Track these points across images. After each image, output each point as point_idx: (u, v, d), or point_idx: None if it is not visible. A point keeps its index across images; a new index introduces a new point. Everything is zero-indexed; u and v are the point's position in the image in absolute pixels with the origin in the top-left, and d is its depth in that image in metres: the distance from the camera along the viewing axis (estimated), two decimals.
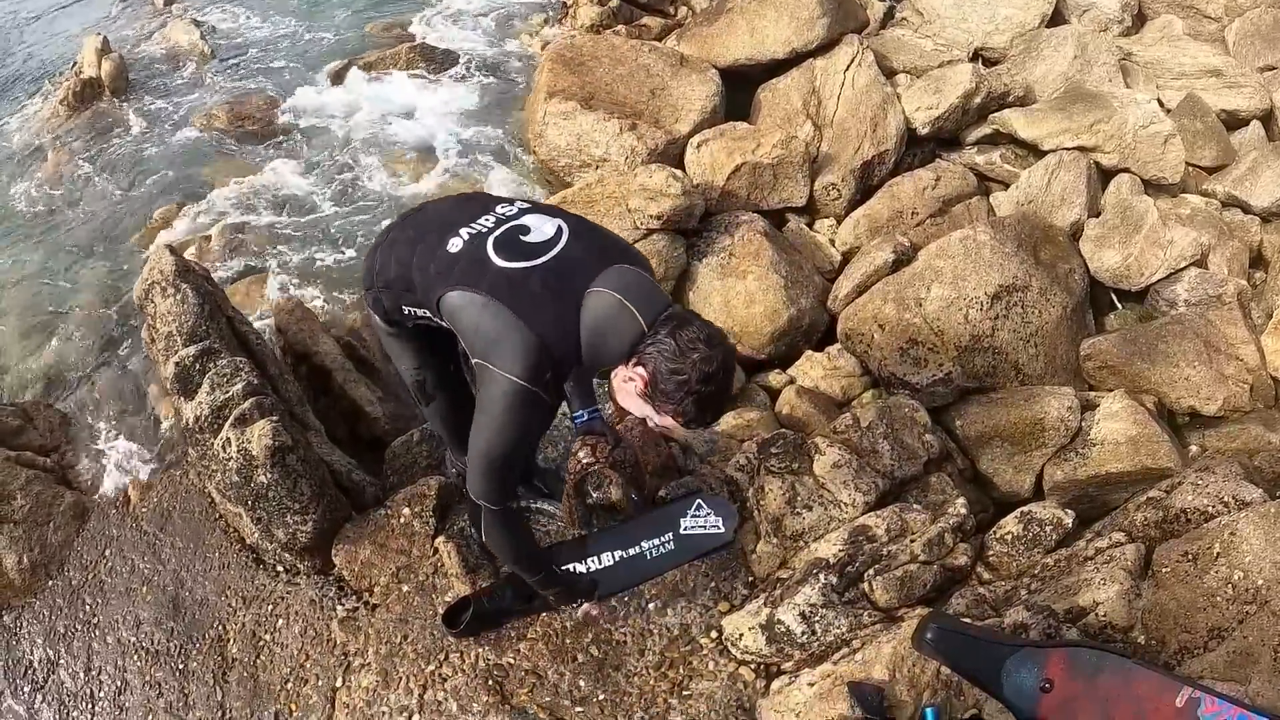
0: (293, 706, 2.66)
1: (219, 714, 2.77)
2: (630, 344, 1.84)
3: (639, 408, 1.91)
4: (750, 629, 2.53)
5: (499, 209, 2.09)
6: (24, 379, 4.71)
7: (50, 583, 3.24)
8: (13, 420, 3.73)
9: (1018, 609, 2.46)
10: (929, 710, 2.09)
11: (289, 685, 2.71)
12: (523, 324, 1.82)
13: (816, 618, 2.52)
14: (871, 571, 2.63)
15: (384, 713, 2.54)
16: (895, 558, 2.66)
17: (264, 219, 5.10)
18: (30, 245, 5.44)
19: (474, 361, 1.93)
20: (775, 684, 2.46)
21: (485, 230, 2.01)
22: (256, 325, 3.70)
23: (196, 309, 3.15)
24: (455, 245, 2.00)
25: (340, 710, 2.59)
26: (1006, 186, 4.68)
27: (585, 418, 2.61)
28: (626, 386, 1.89)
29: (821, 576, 2.60)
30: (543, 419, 2.04)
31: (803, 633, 2.50)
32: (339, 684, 2.64)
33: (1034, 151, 4.69)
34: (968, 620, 2.42)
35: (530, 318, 1.84)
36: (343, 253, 4.87)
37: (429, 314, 2.11)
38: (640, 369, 1.83)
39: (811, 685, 2.39)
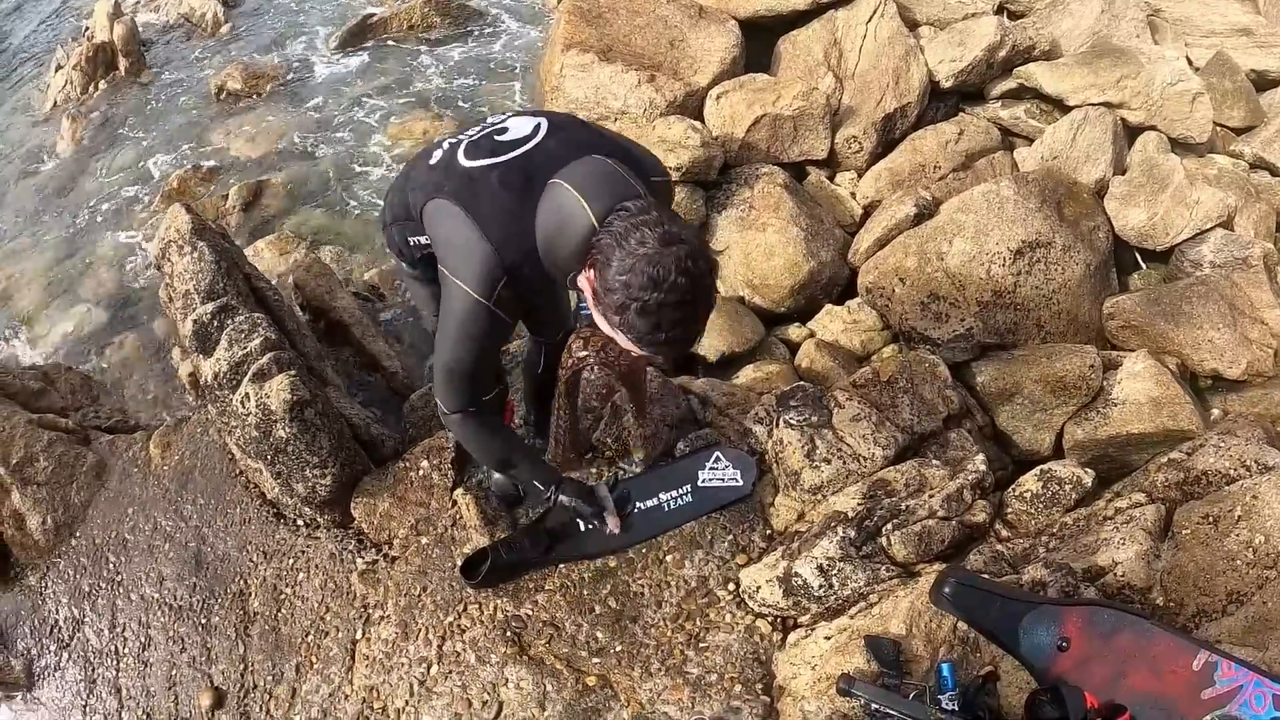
0: (313, 659, 2.69)
1: (241, 667, 2.80)
2: (579, 242, 1.61)
3: (602, 323, 1.64)
4: (768, 581, 2.52)
5: (490, 119, 1.94)
6: (45, 343, 4.78)
7: (74, 542, 3.26)
8: (34, 383, 3.74)
9: (1036, 567, 2.43)
10: (945, 666, 2.05)
11: (309, 638, 2.73)
12: (477, 229, 1.69)
13: (834, 571, 2.50)
14: (890, 526, 2.60)
15: (403, 664, 2.56)
16: (914, 513, 2.63)
17: (279, 179, 5.12)
18: (50, 213, 5.51)
19: (439, 270, 1.81)
20: (791, 636, 2.46)
21: (465, 138, 1.89)
22: (274, 282, 3.69)
23: (213, 266, 3.14)
24: (435, 156, 1.91)
25: (360, 662, 2.62)
26: (1030, 142, 4.61)
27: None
28: (587, 298, 1.65)
29: (839, 530, 2.57)
30: (498, 333, 1.87)
31: (820, 586, 2.48)
32: (359, 636, 2.66)
33: (1059, 107, 4.62)
34: (986, 576, 2.41)
35: (485, 220, 1.69)
36: (357, 211, 4.88)
37: (424, 238, 1.98)
38: (590, 271, 1.59)
39: (828, 639, 2.38)
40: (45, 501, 3.28)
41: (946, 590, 2.16)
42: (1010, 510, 2.74)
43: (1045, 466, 2.84)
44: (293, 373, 2.71)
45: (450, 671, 2.49)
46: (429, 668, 2.53)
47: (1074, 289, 3.91)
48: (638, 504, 2.64)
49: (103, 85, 6.23)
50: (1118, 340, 3.98)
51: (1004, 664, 2.21)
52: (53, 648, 3.17)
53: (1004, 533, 2.69)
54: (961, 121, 4.68)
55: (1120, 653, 2.04)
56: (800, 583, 2.50)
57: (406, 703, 2.49)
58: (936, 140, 4.54)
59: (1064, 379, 3.49)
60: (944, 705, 2.03)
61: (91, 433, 3.64)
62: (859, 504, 2.66)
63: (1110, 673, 2.03)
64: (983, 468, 2.76)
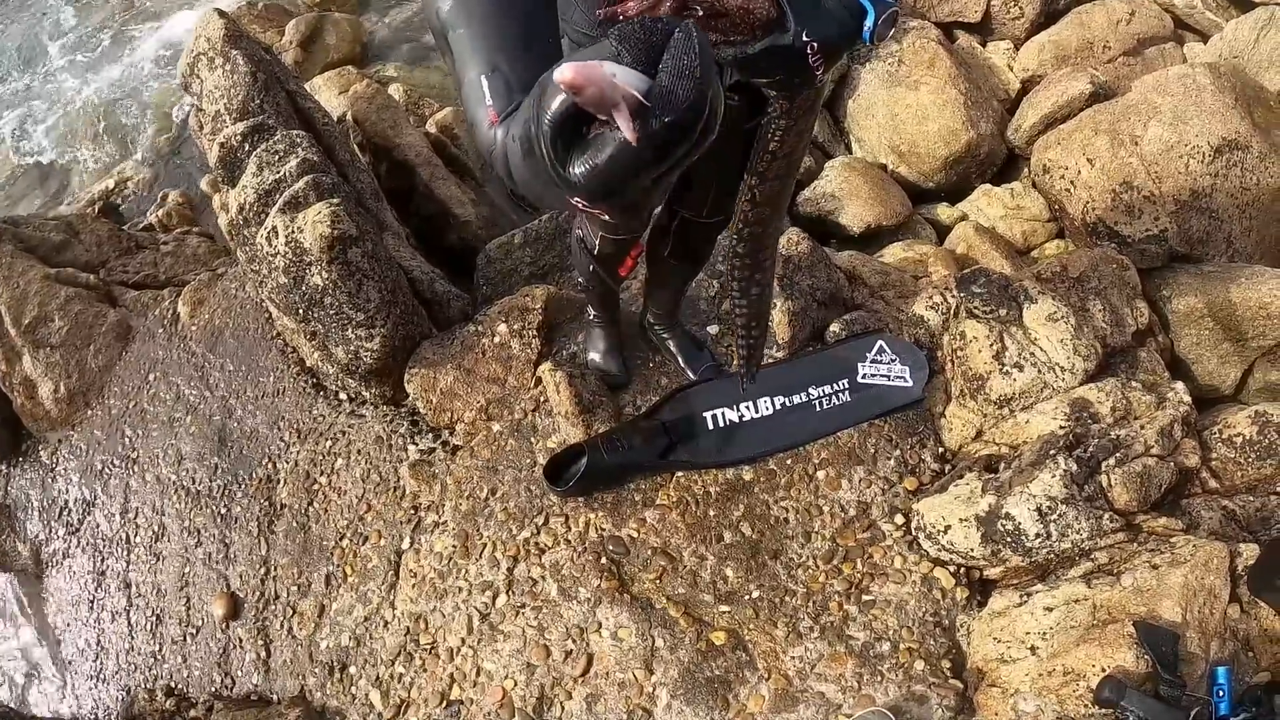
0: (348, 569, 2.12)
1: (262, 571, 2.26)
2: None
3: None
4: (962, 520, 1.85)
5: None
6: (82, 200, 4.46)
7: (89, 413, 2.92)
8: (56, 235, 3.30)
9: None
10: (1221, 670, 1.58)
11: (345, 542, 2.16)
12: None
13: (1054, 516, 1.85)
14: (1112, 461, 1.97)
15: (460, 589, 1.96)
16: (1129, 446, 2.03)
17: (347, 20, 4.56)
18: (101, 61, 5.21)
19: None
20: (997, 602, 1.79)
21: None
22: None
23: (248, 78, 2.54)
24: None
25: (406, 579, 2.03)
26: (1204, 39, 4.11)
27: None
28: None
29: (1060, 461, 1.92)
30: None
31: (1036, 535, 1.83)
32: (406, 545, 2.08)
33: (1240, 3, 4.11)
34: None
35: None
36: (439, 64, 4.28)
37: None
38: None
39: (1049, 610, 1.72)
40: (59, 366, 2.93)
41: None
42: (1215, 456, 2.17)
43: (1260, 409, 2.26)
44: (335, 200, 2.06)
45: (523, 606, 1.88)
46: (495, 597, 1.92)
47: (1266, 205, 3.41)
48: (783, 399, 1.96)
49: None
50: None
51: None
52: (61, 532, 2.87)
53: (1211, 482, 2.15)
54: (1133, 1, 4.20)
55: None
56: (1011, 528, 1.84)
57: (463, 641, 1.88)
58: (1107, 17, 4.10)
59: (1268, 307, 2.95)
60: None
61: (117, 289, 3.19)
62: (1064, 427, 2.08)
63: None
64: (1187, 399, 2.20)
